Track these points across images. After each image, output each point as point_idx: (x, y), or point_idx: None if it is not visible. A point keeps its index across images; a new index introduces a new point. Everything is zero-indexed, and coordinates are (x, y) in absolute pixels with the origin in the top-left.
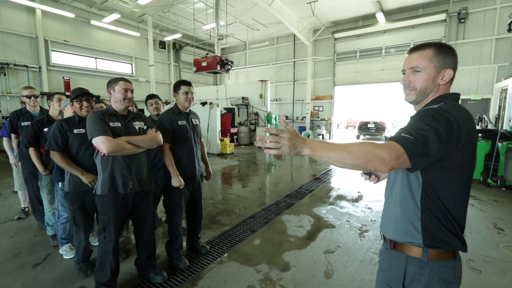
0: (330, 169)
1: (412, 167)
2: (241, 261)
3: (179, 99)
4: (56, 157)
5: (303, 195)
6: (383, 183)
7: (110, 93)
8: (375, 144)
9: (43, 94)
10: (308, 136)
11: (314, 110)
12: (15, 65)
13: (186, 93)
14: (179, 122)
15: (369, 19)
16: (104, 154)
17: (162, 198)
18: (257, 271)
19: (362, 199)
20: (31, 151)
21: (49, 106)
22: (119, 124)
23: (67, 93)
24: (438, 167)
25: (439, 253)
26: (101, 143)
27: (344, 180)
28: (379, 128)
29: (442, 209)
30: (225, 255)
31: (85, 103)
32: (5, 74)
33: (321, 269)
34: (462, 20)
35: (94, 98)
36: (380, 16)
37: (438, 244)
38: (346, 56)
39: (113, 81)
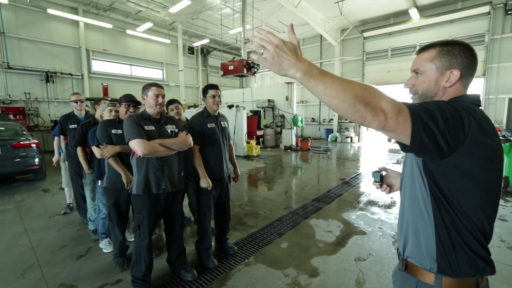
0: (360, 173)
1: (411, 139)
2: (269, 264)
3: (208, 102)
4: None
5: (331, 199)
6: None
7: (144, 98)
8: (382, 92)
9: (87, 99)
10: (335, 139)
11: None
12: (61, 73)
13: (214, 96)
14: (208, 125)
15: (401, 15)
16: (139, 156)
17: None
18: (285, 275)
19: (395, 205)
20: (79, 150)
21: (95, 110)
22: (153, 128)
23: (106, 98)
24: (444, 169)
25: (457, 283)
26: (137, 145)
27: None
28: None
29: (457, 222)
30: (253, 257)
31: (131, 109)
32: (53, 82)
33: (351, 276)
34: (510, 12)
35: (139, 106)
36: (413, 12)
37: (454, 269)
38: (376, 55)
39: (147, 86)
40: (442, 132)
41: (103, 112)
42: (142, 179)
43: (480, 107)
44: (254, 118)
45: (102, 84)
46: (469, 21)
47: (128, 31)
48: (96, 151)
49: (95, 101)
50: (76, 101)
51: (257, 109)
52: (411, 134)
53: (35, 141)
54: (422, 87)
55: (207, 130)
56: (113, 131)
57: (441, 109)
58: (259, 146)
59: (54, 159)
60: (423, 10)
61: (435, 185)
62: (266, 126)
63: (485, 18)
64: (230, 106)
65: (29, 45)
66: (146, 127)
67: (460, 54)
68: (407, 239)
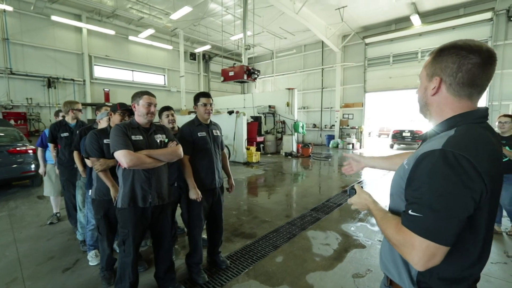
0: (361, 181)
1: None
2: (262, 280)
3: (199, 110)
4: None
5: (330, 209)
6: None
7: (134, 107)
8: (390, 224)
9: (86, 104)
10: (337, 145)
11: (343, 118)
12: (63, 79)
13: (205, 104)
14: (198, 133)
15: (403, 22)
16: (125, 168)
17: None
18: None
19: None
20: (75, 154)
21: (96, 115)
22: (141, 138)
23: (107, 104)
24: None
25: None
26: (122, 157)
27: (377, 194)
28: (416, 137)
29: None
30: (245, 272)
31: (126, 118)
32: (55, 88)
33: None
34: None
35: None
36: (415, 19)
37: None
38: (378, 61)
39: (138, 94)
40: (446, 220)
41: (100, 121)
42: (127, 192)
43: (486, 122)
44: (255, 124)
45: (104, 89)
46: (472, 28)
47: (131, 38)
48: (87, 161)
49: (97, 107)
50: (80, 110)
51: (258, 115)
52: (422, 243)
53: (32, 147)
54: (418, 94)
55: (198, 139)
56: (105, 141)
57: (441, 200)
58: (259, 152)
59: (41, 170)
60: (425, 17)
61: None
62: (266, 132)
63: (488, 24)
64: (230, 112)
65: (33, 51)
66: (133, 137)
67: (447, 59)
68: (386, 259)
